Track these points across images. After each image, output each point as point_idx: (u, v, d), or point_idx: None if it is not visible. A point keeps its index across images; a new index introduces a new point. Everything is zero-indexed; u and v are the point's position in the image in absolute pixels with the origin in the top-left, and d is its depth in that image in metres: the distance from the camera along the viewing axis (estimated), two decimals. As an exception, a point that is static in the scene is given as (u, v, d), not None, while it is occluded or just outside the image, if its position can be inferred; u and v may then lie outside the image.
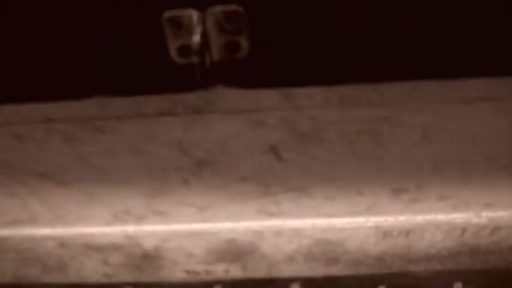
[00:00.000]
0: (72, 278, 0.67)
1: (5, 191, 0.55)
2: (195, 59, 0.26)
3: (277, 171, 0.51)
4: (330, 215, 0.57)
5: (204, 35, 0.26)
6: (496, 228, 0.60)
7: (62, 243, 0.61)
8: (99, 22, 0.34)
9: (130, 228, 0.59)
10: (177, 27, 0.25)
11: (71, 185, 0.55)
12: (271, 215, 0.57)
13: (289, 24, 0.33)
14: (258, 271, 0.65)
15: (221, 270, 0.65)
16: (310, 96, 0.43)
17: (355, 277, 0.67)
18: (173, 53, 0.28)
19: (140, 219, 0.58)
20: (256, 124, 0.46)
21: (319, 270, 0.65)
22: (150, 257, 0.63)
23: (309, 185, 0.53)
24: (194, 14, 0.26)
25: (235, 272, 0.65)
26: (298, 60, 0.36)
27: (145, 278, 0.67)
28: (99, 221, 0.59)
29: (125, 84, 0.38)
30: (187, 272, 0.66)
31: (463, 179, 0.54)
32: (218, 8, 0.26)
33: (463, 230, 0.59)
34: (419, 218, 0.58)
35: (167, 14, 0.26)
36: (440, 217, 0.58)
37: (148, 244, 0.61)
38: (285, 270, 0.65)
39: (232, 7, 0.26)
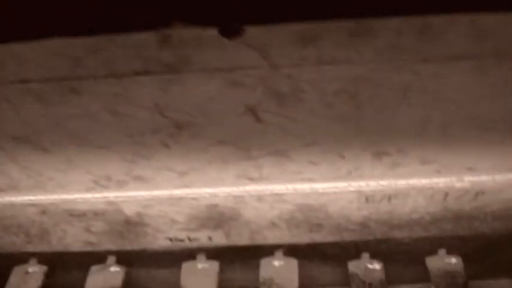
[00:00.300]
0: (55, 246, 0.67)
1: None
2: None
3: (257, 134, 0.51)
4: (311, 180, 0.57)
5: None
6: (479, 193, 0.60)
7: (43, 210, 0.61)
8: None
9: (112, 195, 0.59)
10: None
11: (49, 150, 0.54)
12: (252, 179, 0.57)
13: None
14: (241, 238, 0.65)
15: (204, 237, 0.65)
16: (287, 54, 0.43)
17: (339, 244, 0.67)
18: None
19: (121, 185, 0.58)
20: (234, 84, 0.45)
21: (302, 237, 0.65)
22: (132, 224, 0.63)
23: (290, 148, 0.53)
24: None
25: (219, 239, 0.66)
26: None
27: (129, 246, 0.67)
28: (79, 188, 0.58)
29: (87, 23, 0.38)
30: (171, 239, 0.66)
31: (445, 142, 0.53)
32: None
33: (446, 195, 0.59)
34: (402, 183, 0.58)
35: None
36: (423, 181, 0.58)
37: (130, 210, 0.61)
38: (268, 237, 0.65)
39: None
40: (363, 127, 0.51)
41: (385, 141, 0.53)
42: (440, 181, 0.58)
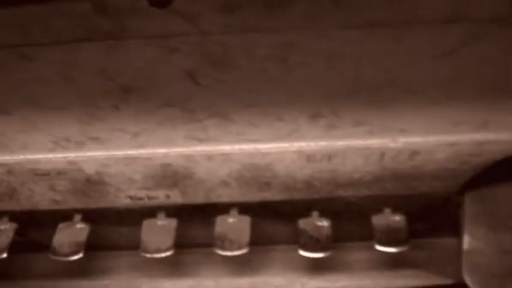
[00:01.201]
0: (25, 204, 0.73)
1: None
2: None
3: (198, 97, 0.56)
4: (255, 141, 0.63)
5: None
6: (413, 153, 0.65)
7: (10, 170, 0.67)
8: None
9: (72, 155, 0.65)
10: None
11: (10, 113, 0.60)
12: (200, 140, 0.62)
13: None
14: (197, 196, 0.71)
15: (162, 196, 0.71)
16: (214, 22, 0.48)
17: (289, 202, 0.72)
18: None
19: (79, 145, 0.63)
20: (171, 50, 0.50)
21: (253, 195, 0.71)
22: (93, 182, 0.69)
23: (231, 110, 0.58)
24: None
25: (176, 197, 0.71)
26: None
27: (93, 204, 0.73)
28: (41, 148, 0.64)
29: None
30: (131, 197, 0.71)
31: (375, 105, 0.59)
32: None
33: (382, 155, 0.65)
34: (339, 143, 0.63)
35: None
36: (359, 142, 0.63)
37: (90, 169, 0.66)
38: (222, 196, 0.71)
39: None
40: (296, 91, 0.56)
41: (319, 104, 0.58)
42: (375, 142, 0.63)
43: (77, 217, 0.75)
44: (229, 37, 0.49)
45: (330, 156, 0.65)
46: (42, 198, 0.72)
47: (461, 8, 0.47)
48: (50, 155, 0.65)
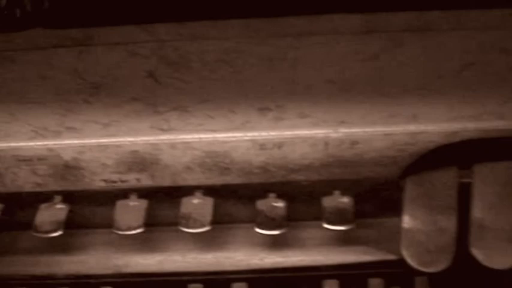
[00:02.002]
0: (10, 187, 0.83)
1: None
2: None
3: (160, 93, 0.66)
4: (213, 131, 0.73)
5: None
6: (354, 142, 0.75)
7: (-5, 154, 0.77)
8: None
9: (50, 142, 0.75)
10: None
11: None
12: (163, 130, 0.73)
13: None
14: (165, 180, 0.81)
15: (133, 179, 0.81)
16: (167, 31, 0.58)
17: (247, 185, 0.83)
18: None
19: (56, 134, 0.73)
20: (133, 54, 0.61)
21: (216, 179, 0.81)
22: (71, 167, 0.79)
23: (189, 104, 0.69)
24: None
25: (145, 180, 0.82)
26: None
27: (71, 187, 0.83)
28: (23, 137, 0.74)
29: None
30: (105, 181, 0.82)
31: (315, 100, 0.69)
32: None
33: (326, 144, 0.75)
34: (287, 133, 0.74)
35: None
36: (305, 132, 0.74)
37: (67, 156, 0.76)
38: (187, 179, 0.81)
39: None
40: (244, 88, 0.66)
41: (266, 99, 0.69)
42: (319, 132, 0.74)
43: (57, 198, 0.85)
44: (182, 43, 0.59)
45: (280, 144, 0.75)
46: (25, 181, 0.82)
47: (376, 21, 0.57)
48: (31, 143, 0.75)
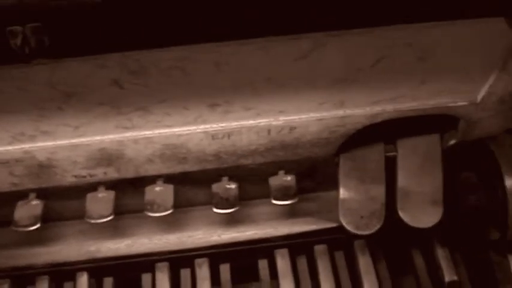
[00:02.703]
0: (-13, 189, 0.94)
1: None
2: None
3: (123, 97, 0.78)
4: (170, 126, 0.86)
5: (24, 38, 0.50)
6: (292, 128, 0.89)
7: (-24, 160, 0.88)
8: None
9: (26, 146, 0.86)
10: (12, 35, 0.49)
11: (-24, 116, 0.81)
12: (127, 128, 0.85)
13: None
14: (129, 172, 0.94)
15: (101, 173, 0.93)
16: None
17: (203, 171, 0.96)
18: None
19: (32, 138, 0.85)
20: (101, 66, 0.73)
21: (174, 168, 0.94)
22: (44, 167, 0.90)
23: (149, 105, 0.81)
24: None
25: (112, 173, 0.94)
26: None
27: (44, 184, 0.94)
28: (2, 142, 0.85)
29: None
30: (75, 176, 0.93)
31: (258, 95, 0.82)
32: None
33: (268, 131, 0.89)
34: (235, 124, 0.87)
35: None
36: (250, 122, 0.87)
37: (41, 156, 0.88)
38: (149, 170, 0.94)
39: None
40: (195, 88, 0.79)
41: (215, 96, 0.81)
42: (262, 121, 0.87)
43: (32, 195, 0.96)
44: (141, 55, 0.72)
45: (229, 134, 0.88)
46: (2, 183, 0.93)
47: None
48: (9, 147, 0.86)
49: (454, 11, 0.54)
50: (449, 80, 0.85)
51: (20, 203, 0.96)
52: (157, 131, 0.87)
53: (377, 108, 0.88)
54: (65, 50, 0.51)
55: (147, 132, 0.87)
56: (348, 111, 0.89)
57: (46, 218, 0.97)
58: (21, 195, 0.96)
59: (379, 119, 0.90)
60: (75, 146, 0.87)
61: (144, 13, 0.52)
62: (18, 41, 0.49)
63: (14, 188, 0.94)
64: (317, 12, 0.56)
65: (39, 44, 0.50)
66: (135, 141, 0.87)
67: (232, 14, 0.56)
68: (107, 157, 0.90)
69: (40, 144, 0.86)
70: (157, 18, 0.54)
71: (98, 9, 0.47)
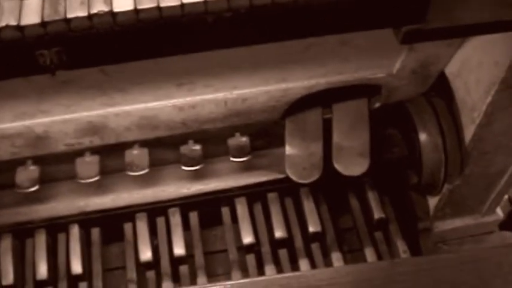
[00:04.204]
0: (-9, 158, 1.16)
1: None
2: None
3: (107, 81, 1.02)
4: (144, 101, 1.10)
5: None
6: (244, 100, 1.14)
7: (-17, 135, 1.10)
8: None
9: (27, 122, 1.09)
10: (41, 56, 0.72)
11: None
12: (109, 105, 1.08)
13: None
14: (111, 139, 1.17)
15: (87, 141, 1.17)
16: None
17: (172, 136, 1.20)
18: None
19: (32, 116, 1.08)
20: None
21: (148, 134, 1.18)
22: (41, 138, 1.13)
23: (127, 87, 1.05)
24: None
25: (97, 141, 1.17)
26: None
27: (40, 152, 1.17)
28: (6, 120, 1.08)
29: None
30: (66, 144, 1.17)
31: (215, 74, 1.06)
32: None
33: (225, 102, 1.13)
34: (198, 98, 1.11)
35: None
36: (210, 96, 1.11)
37: (39, 130, 1.11)
38: (127, 137, 1.18)
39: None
40: (165, 72, 1.03)
41: (181, 77, 1.05)
42: (220, 95, 1.12)
43: (29, 162, 1.19)
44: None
45: (193, 106, 1.13)
46: (4, 153, 1.15)
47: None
48: (12, 124, 1.09)
49: (353, 25, 0.78)
50: (368, 58, 1.10)
51: (19, 169, 1.19)
52: (134, 106, 1.10)
53: (312, 82, 1.13)
54: (76, 63, 0.74)
55: (126, 108, 1.10)
56: (290, 85, 1.13)
57: (41, 180, 1.21)
58: (20, 162, 1.19)
59: (314, 90, 1.16)
60: (67, 121, 1.10)
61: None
62: (45, 60, 0.72)
63: (13, 157, 1.17)
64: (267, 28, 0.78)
65: (59, 60, 0.73)
66: (116, 114, 1.11)
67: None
68: (92, 128, 1.13)
69: (38, 120, 1.09)
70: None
71: (96, 39, 0.71)
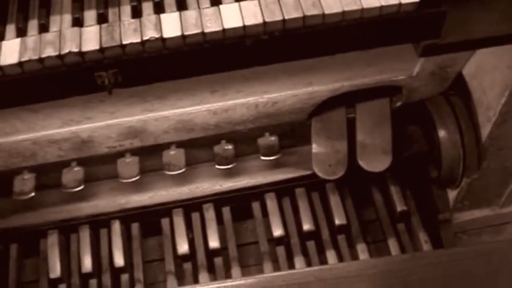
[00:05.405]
0: (40, 161, 1.27)
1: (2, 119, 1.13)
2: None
3: (148, 90, 1.13)
4: (182, 107, 1.20)
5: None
6: (274, 103, 1.24)
7: (34, 141, 1.21)
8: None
9: (73, 128, 1.20)
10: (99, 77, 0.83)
11: (37, 112, 1.14)
12: (150, 110, 1.19)
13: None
14: (149, 141, 1.28)
15: (128, 144, 1.28)
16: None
17: (206, 137, 1.30)
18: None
19: (78, 122, 1.19)
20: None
21: (184, 136, 1.29)
22: (86, 142, 1.24)
23: (166, 94, 1.15)
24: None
25: (137, 143, 1.28)
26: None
27: (84, 154, 1.28)
28: (55, 127, 1.19)
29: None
30: (108, 147, 1.28)
31: (245, 81, 1.16)
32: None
33: (256, 106, 1.23)
34: (231, 102, 1.21)
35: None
36: (242, 100, 1.22)
37: (84, 135, 1.22)
38: (165, 139, 1.28)
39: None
40: (200, 79, 1.13)
41: (215, 85, 1.16)
42: (250, 99, 1.22)
43: (74, 163, 1.31)
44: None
45: (226, 110, 1.23)
46: (52, 156, 1.26)
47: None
48: (60, 130, 1.20)
49: (377, 42, 0.88)
50: (389, 62, 1.20)
51: (65, 170, 1.30)
52: (172, 111, 1.21)
53: (337, 85, 1.23)
54: (130, 82, 0.85)
55: (165, 113, 1.21)
56: (316, 88, 1.23)
57: (85, 180, 1.32)
58: (65, 164, 1.30)
59: (339, 92, 1.25)
60: (110, 126, 1.21)
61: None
62: (103, 80, 0.83)
63: (60, 159, 1.27)
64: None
65: (115, 80, 0.83)
66: (156, 119, 1.22)
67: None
68: (133, 132, 1.24)
69: (84, 126, 1.20)
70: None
71: (147, 61, 0.82)
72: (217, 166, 1.25)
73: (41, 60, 0.83)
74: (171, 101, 1.18)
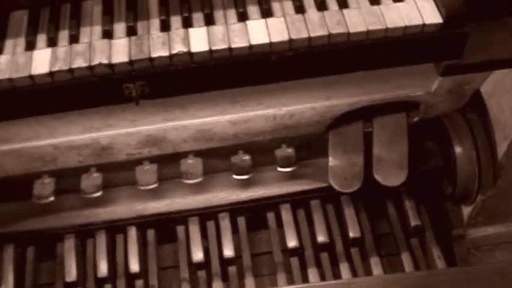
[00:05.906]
0: (60, 166, 1.30)
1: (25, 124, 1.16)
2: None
3: (170, 101, 1.15)
4: (201, 117, 1.23)
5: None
6: (292, 115, 1.26)
7: (55, 146, 1.24)
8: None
9: (94, 135, 1.23)
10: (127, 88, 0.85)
11: (60, 118, 1.17)
12: (169, 120, 1.22)
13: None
14: (168, 149, 1.31)
15: (147, 151, 1.30)
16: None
17: (224, 147, 1.33)
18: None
19: (99, 129, 1.21)
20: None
21: (203, 145, 1.31)
22: (105, 148, 1.27)
23: (186, 104, 1.18)
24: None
25: (155, 151, 1.31)
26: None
27: (103, 160, 1.31)
28: (76, 133, 1.22)
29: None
30: (127, 154, 1.30)
31: (266, 94, 1.19)
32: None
33: (274, 118, 1.26)
34: (250, 114, 1.24)
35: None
36: (260, 112, 1.24)
37: (104, 141, 1.25)
38: (183, 147, 1.31)
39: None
40: (221, 92, 1.16)
41: (235, 96, 1.18)
42: (270, 111, 1.24)
43: (93, 169, 1.33)
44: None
45: (245, 121, 1.26)
46: (72, 161, 1.29)
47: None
48: (81, 136, 1.22)
49: (400, 61, 0.91)
50: (408, 78, 1.22)
51: (84, 176, 1.33)
52: (192, 121, 1.23)
53: (354, 99, 1.26)
54: (157, 94, 0.88)
55: (185, 122, 1.23)
56: (334, 102, 1.26)
57: (103, 186, 1.34)
58: (84, 169, 1.33)
59: (357, 106, 1.28)
60: (130, 133, 1.24)
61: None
62: (131, 92, 0.86)
63: (79, 165, 1.30)
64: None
65: (142, 92, 0.86)
66: (175, 128, 1.24)
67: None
68: (152, 140, 1.27)
69: (104, 133, 1.22)
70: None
71: (174, 74, 0.84)
72: (234, 176, 1.27)
73: (71, 70, 0.86)
74: (192, 110, 1.20)
